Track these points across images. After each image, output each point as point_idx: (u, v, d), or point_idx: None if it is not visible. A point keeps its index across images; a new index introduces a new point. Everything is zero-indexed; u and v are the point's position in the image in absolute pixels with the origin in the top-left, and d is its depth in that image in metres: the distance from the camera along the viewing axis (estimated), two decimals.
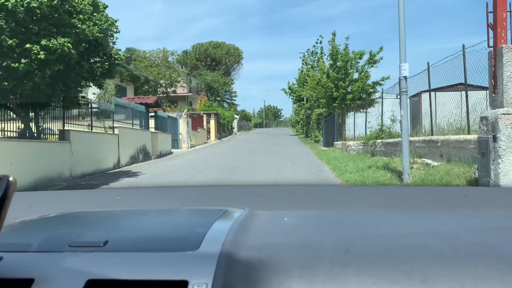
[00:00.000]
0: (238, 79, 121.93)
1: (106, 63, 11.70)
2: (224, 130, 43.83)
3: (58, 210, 1.32)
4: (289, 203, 1.65)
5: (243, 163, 16.73)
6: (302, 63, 39.11)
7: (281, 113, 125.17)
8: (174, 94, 54.06)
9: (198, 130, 31.28)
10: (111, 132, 15.55)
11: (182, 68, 62.45)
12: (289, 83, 45.68)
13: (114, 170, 14.92)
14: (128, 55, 25.42)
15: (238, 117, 63.53)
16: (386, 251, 0.84)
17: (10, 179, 0.67)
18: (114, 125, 15.82)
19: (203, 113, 35.21)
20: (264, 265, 0.78)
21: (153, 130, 20.55)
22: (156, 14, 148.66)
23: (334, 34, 27.24)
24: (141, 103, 19.09)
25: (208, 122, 37.38)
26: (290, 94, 45.84)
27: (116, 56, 11.85)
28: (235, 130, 57.25)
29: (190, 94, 59.50)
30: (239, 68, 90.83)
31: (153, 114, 21.87)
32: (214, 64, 75.61)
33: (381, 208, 1.48)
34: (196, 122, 31.08)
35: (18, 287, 0.73)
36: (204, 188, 3.11)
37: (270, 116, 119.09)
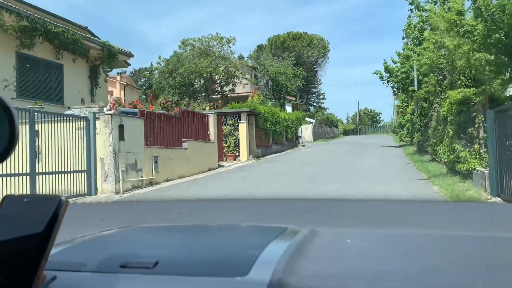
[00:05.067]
0: (324, 76, 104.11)
1: None
2: (278, 140, 26.73)
3: (125, 222, 1.38)
4: (364, 220, 1.51)
5: None
6: (411, 11, 20.61)
7: (379, 117, 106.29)
8: (233, 94, 38.67)
9: (185, 144, 14.52)
10: None
11: (251, 66, 45.85)
12: (385, 63, 27.38)
13: None
14: None
15: (314, 121, 45.73)
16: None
17: (62, 198, 0.68)
18: None
19: (210, 113, 18.13)
20: None
21: None
22: (255, 25, 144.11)
23: None
24: None
25: (235, 129, 20.59)
26: (388, 80, 27.44)
27: None
28: (307, 138, 39.71)
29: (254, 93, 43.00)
30: (324, 63, 73.58)
31: None
32: (295, 60, 57.31)
33: (475, 229, 1.26)
34: (179, 128, 14.43)
35: None
36: (275, 201, 2.80)
37: (366, 121, 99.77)
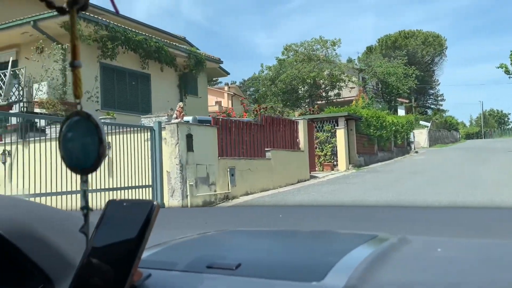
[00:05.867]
0: (441, 75, 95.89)
1: None
2: (384, 147, 24.21)
3: (224, 226, 1.44)
4: (470, 229, 1.41)
5: None
6: None
7: (508, 118, 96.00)
8: (339, 99, 36.79)
9: (268, 154, 13.08)
10: None
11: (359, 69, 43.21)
12: None
13: None
14: None
15: (429, 124, 41.68)
16: None
17: (154, 203, 0.73)
18: None
19: (299, 119, 16.45)
20: None
21: None
22: (366, 28, 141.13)
23: None
24: None
25: (332, 135, 18.72)
26: None
27: None
28: (422, 144, 36.10)
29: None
30: (442, 61, 67.77)
31: None
32: (406, 59, 53.19)
33: None
34: (262, 136, 13.06)
35: None
36: (373, 208, 2.72)
37: (492, 123, 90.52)
